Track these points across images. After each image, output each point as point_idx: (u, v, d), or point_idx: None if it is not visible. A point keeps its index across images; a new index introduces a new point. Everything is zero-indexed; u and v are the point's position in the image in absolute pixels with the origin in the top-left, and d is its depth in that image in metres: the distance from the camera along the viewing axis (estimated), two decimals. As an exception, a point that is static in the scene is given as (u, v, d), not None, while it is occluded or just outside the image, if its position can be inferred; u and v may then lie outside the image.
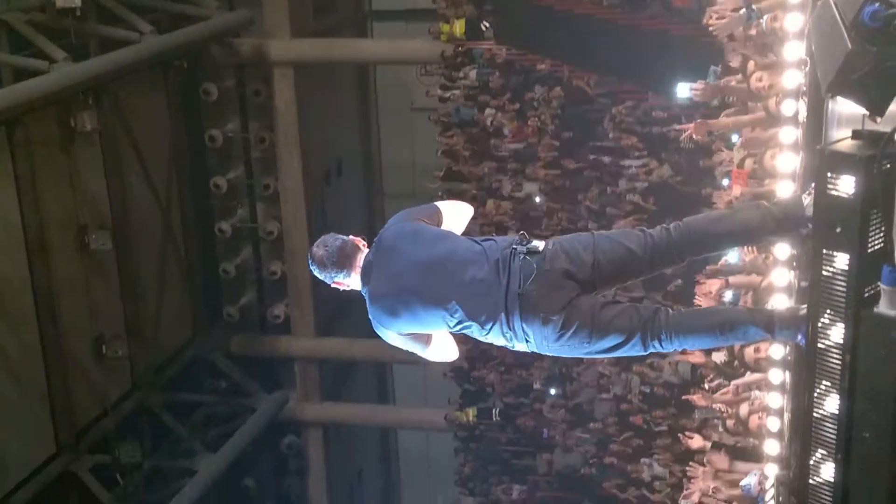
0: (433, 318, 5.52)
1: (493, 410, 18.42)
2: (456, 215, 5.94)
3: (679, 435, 12.86)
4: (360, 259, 5.61)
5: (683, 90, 14.39)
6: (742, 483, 10.23)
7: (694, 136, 11.48)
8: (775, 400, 9.10)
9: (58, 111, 15.55)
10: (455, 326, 5.50)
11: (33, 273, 15.19)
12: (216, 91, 18.80)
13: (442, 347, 5.68)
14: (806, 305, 5.07)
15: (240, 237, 19.60)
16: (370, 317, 5.63)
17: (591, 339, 5.37)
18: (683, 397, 13.36)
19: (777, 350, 9.01)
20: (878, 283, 4.17)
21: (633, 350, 5.45)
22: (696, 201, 15.50)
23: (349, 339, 20.43)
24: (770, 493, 9.13)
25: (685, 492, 11.42)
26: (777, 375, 9.03)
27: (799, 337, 5.17)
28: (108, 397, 16.52)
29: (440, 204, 5.94)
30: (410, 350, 5.65)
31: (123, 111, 16.92)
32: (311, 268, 5.73)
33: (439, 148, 18.66)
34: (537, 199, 17.53)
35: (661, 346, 5.38)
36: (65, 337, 15.77)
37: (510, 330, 5.40)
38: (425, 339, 5.63)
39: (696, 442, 11.38)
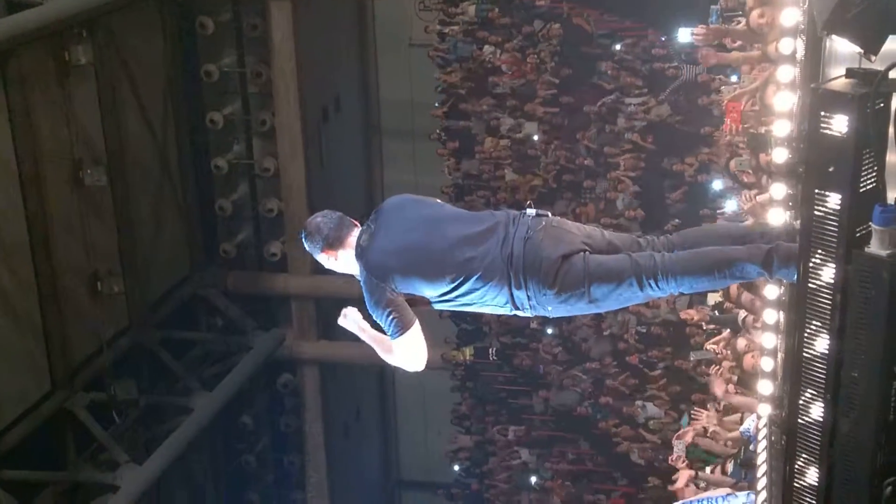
0: (433, 274, 5.56)
1: (490, 350, 18.46)
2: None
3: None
4: (354, 236, 5.72)
5: (685, 35, 14.36)
6: (742, 428, 10.29)
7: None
8: (769, 340, 9.10)
9: (52, 44, 15.39)
10: (454, 286, 5.54)
11: (28, 209, 15.10)
12: (212, 25, 18.58)
13: (419, 345, 5.62)
14: None
15: (236, 173, 19.47)
16: (369, 279, 5.60)
17: (586, 286, 5.43)
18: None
19: (771, 290, 8.99)
20: (870, 223, 4.12)
21: (629, 293, 5.48)
22: (695, 140, 15.51)
23: (346, 277, 20.38)
24: (763, 432, 9.16)
25: (680, 431, 11.50)
26: (771, 315, 9.02)
27: (796, 276, 5.13)
28: (103, 334, 16.51)
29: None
30: (391, 328, 5.57)
31: (118, 45, 16.75)
32: (303, 237, 5.82)
33: (438, 84, 18.54)
34: (535, 138, 17.45)
35: (657, 287, 5.42)
36: (60, 274, 15.73)
37: (511, 286, 5.47)
38: (410, 321, 5.57)
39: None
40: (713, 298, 13.14)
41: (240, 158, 19.35)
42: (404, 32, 20.53)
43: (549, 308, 5.56)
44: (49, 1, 14.79)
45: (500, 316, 17.64)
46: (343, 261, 5.74)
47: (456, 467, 19.52)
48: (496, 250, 5.50)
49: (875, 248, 4.10)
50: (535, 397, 18.31)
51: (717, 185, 12.87)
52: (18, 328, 15.21)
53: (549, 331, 17.70)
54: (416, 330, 5.59)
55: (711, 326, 12.21)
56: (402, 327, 5.54)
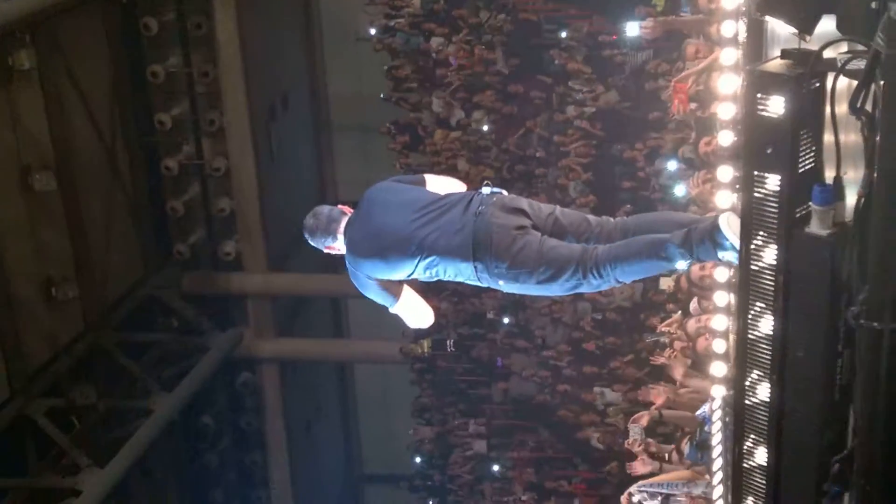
0: (401, 254, 5.85)
1: (448, 341, 18.47)
2: (441, 182, 6.32)
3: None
4: (344, 222, 6.05)
5: (633, 28, 14.44)
6: (698, 413, 10.36)
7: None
8: (720, 322, 9.17)
9: (-6, 50, 15.26)
10: (417, 264, 5.84)
11: (-23, 217, 14.99)
12: (156, 25, 18.44)
13: (414, 307, 6.11)
14: (722, 216, 5.22)
15: (187, 174, 19.35)
16: (349, 268, 6.04)
17: (536, 267, 5.63)
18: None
19: (722, 273, 9.06)
20: (809, 204, 4.16)
21: (574, 280, 5.67)
22: (643, 126, 15.56)
23: (301, 274, 20.36)
24: (717, 413, 9.23)
25: (635, 415, 11.56)
26: (722, 298, 9.10)
27: (720, 255, 5.25)
28: (59, 340, 16.39)
29: (429, 175, 6.39)
30: (383, 302, 6.05)
31: (62, 48, 16.59)
32: (306, 236, 6.16)
33: (387, 67, 18.47)
34: (485, 128, 17.46)
35: (598, 276, 5.60)
36: (13, 280, 15.61)
37: (469, 258, 5.72)
38: (396, 290, 6.00)
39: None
40: (665, 283, 13.24)
41: (190, 159, 19.24)
42: (351, 27, 20.48)
43: (501, 283, 5.79)
44: (-10, 7, 14.65)
45: (456, 306, 17.82)
46: (342, 243, 6.09)
47: (418, 459, 19.52)
48: (453, 225, 5.76)
49: (815, 228, 4.14)
50: (493, 388, 18.35)
51: (672, 164, 12.92)
52: (-27, 337, 15.08)
53: (506, 320, 17.73)
54: (405, 296, 6.04)
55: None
56: (390, 301, 6.01)
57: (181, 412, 18.13)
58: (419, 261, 5.81)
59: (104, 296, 17.80)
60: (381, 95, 18.72)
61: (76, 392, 16.54)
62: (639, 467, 10.56)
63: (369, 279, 5.96)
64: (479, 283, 5.90)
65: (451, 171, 17.88)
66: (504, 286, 5.83)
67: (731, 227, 5.15)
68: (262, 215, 19.21)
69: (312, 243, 6.15)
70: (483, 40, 17.34)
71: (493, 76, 17.35)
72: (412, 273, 5.88)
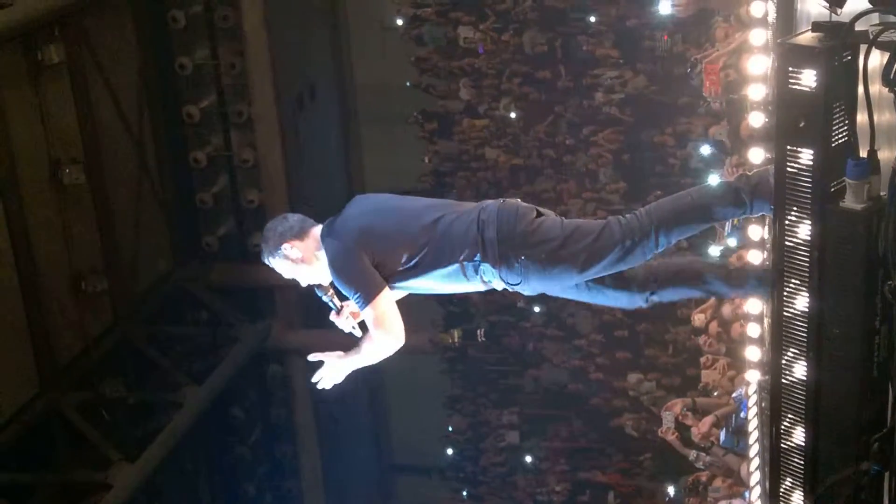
0: (403, 229, 5.51)
1: (478, 331, 18.42)
2: None
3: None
4: (318, 228, 5.65)
5: (665, 6, 14.39)
6: (734, 394, 10.30)
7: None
8: (754, 306, 9.10)
9: (24, 45, 15.28)
10: (425, 245, 5.45)
11: (7, 211, 15.02)
12: (184, 18, 18.50)
13: (387, 309, 5.43)
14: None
15: (215, 166, 19.39)
16: (332, 255, 5.51)
17: (561, 237, 5.38)
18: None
19: (755, 256, 8.98)
20: (843, 178, 4.09)
21: (613, 246, 5.37)
22: (672, 111, 15.47)
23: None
24: (753, 398, 9.16)
25: (668, 404, 11.51)
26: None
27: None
28: (89, 333, 16.45)
29: None
30: (360, 293, 5.40)
31: (90, 42, 16.66)
32: (263, 244, 5.74)
33: (413, 64, 18.43)
34: (512, 115, 17.39)
35: (650, 241, 5.38)
36: (42, 275, 15.66)
37: (484, 253, 5.41)
38: (380, 283, 5.42)
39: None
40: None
41: (218, 151, 19.27)
42: (377, 16, 20.44)
43: (530, 274, 5.43)
44: (19, 1, 14.67)
45: (486, 295, 17.78)
46: (307, 253, 5.60)
47: (450, 451, 19.50)
48: (467, 218, 5.50)
49: (849, 202, 4.06)
50: (525, 376, 18.30)
51: (705, 149, 12.82)
52: (4, 331, 15.14)
53: (537, 309, 17.66)
54: (386, 295, 5.44)
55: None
56: (370, 293, 5.40)
57: (211, 405, 18.15)
58: (427, 241, 5.44)
59: (133, 289, 17.86)
60: (408, 83, 18.70)
61: (106, 386, 16.60)
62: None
63: (361, 262, 5.43)
64: (489, 286, 5.53)
65: (479, 159, 17.87)
66: (538, 283, 5.48)
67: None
68: (291, 206, 19.20)
69: (267, 250, 5.70)
70: (510, 27, 17.28)
71: (520, 63, 17.29)
72: (413, 257, 5.44)
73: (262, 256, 5.78)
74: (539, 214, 5.53)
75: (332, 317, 5.70)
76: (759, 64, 8.72)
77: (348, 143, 21.96)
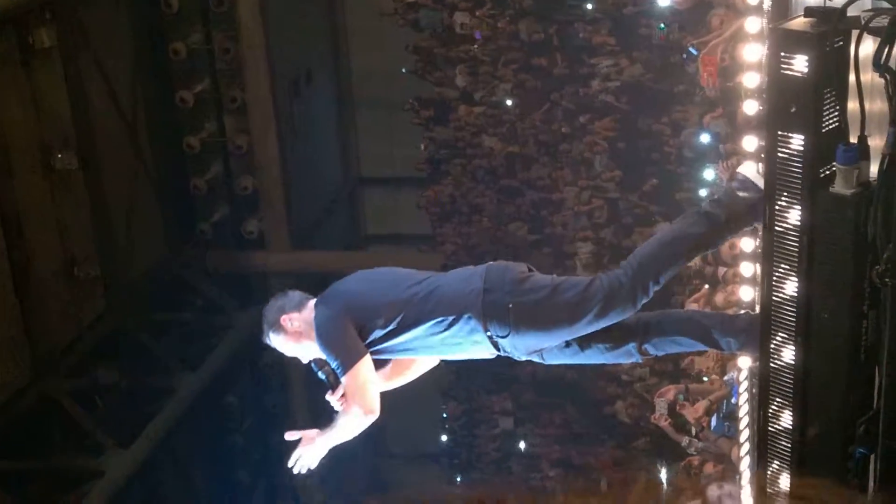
0: (391, 291, 5.55)
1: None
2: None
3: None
4: (313, 301, 5.65)
5: (665, -1, 14.35)
6: (725, 377, 10.32)
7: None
8: (747, 293, 9.10)
9: (15, 29, 15.20)
10: (413, 305, 5.47)
11: (-1, 196, 14.99)
12: (177, 2, 18.40)
13: (366, 377, 5.43)
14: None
15: (209, 152, 19.33)
16: (320, 320, 5.52)
17: (550, 289, 5.40)
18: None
19: (748, 243, 8.98)
20: (834, 163, 4.10)
21: (609, 303, 5.37)
22: (669, 99, 15.44)
23: (325, 251, 20.35)
24: (744, 384, 9.17)
25: (660, 391, 11.52)
26: (748, 268, 9.02)
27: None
28: (82, 319, 16.42)
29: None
30: (340, 359, 5.40)
31: (83, 26, 16.57)
32: (264, 321, 5.78)
33: (410, 51, 18.41)
34: (508, 103, 17.38)
35: (638, 288, 5.42)
36: (35, 260, 15.59)
37: (478, 314, 5.39)
38: (361, 350, 5.44)
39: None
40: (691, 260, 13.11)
41: (212, 136, 19.21)
42: (374, 2, 20.41)
43: (521, 328, 5.41)
44: (10, -15, 14.63)
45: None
46: (305, 325, 5.60)
47: (444, 437, 19.54)
48: (456, 276, 5.63)
49: (839, 187, 4.08)
50: (521, 370, 18.31)
51: (704, 137, 12.79)
52: (-4, 317, 15.11)
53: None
54: (366, 364, 5.44)
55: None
56: (350, 360, 5.40)
57: (205, 392, 18.13)
58: (411, 300, 5.46)
59: (127, 275, 17.81)
60: (404, 70, 18.68)
61: (99, 372, 16.56)
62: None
63: (346, 327, 5.44)
64: (481, 348, 5.52)
65: (474, 146, 17.87)
66: (523, 335, 5.44)
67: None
68: (285, 193, 19.19)
69: (268, 324, 5.71)
70: (507, 14, 17.25)
71: (516, 50, 17.27)
72: (397, 316, 5.45)
73: (263, 333, 5.80)
74: (530, 270, 5.61)
75: (328, 396, 5.62)
76: (753, 52, 8.69)
77: (344, 129, 21.95)
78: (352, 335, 5.47)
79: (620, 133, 16.44)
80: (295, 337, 5.67)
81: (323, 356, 5.60)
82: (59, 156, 15.77)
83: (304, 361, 5.76)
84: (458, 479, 19.47)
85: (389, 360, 5.84)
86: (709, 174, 12.48)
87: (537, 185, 17.29)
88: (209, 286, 19.51)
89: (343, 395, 5.53)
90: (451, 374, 19.19)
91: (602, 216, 16.25)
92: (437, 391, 19.55)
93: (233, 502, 20.66)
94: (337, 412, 5.59)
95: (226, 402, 20.27)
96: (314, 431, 5.56)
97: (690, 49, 12.46)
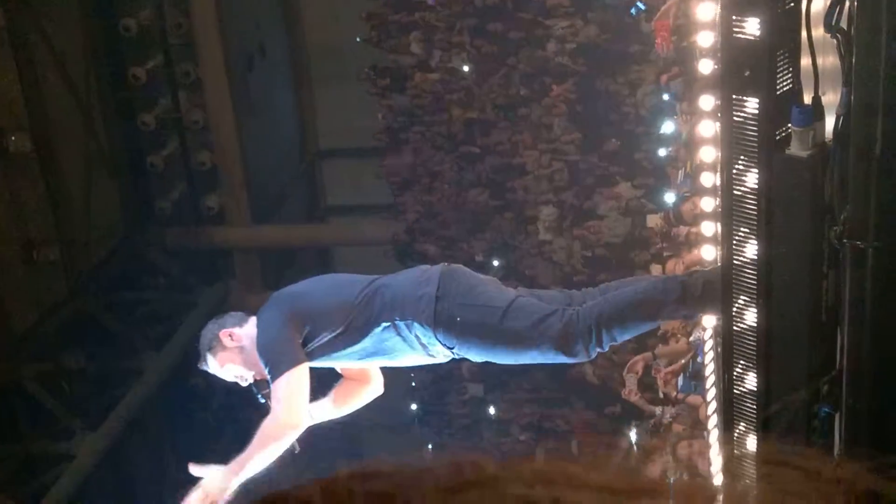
0: (341, 291, 5.41)
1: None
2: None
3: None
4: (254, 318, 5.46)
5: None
6: (691, 338, 10.38)
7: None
8: (709, 252, 9.15)
9: (-39, 12, 15.03)
10: (362, 303, 5.32)
11: (-47, 183, 14.83)
12: (128, -22, 18.22)
13: (302, 391, 5.23)
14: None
15: (165, 128, 19.10)
16: (263, 324, 5.35)
17: (502, 321, 5.22)
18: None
19: (707, 202, 9.02)
20: (789, 125, 4.11)
21: (557, 346, 5.19)
22: (625, 59, 15.46)
23: (287, 225, 20.28)
24: (709, 343, 9.23)
25: (630, 362, 11.55)
26: (709, 228, 9.07)
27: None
28: (44, 303, 16.29)
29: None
30: (277, 362, 5.17)
31: (32, 6, 16.31)
32: (203, 334, 5.65)
33: (364, 20, 18.28)
34: (465, 69, 17.32)
35: (593, 340, 5.22)
36: (-7, 245, 15.48)
37: (422, 316, 5.23)
38: (301, 357, 5.23)
39: None
40: (653, 220, 13.21)
41: (167, 113, 18.99)
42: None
43: (467, 345, 5.27)
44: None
45: (444, 251, 17.77)
46: (248, 341, 5.39)
47: (413, 406, 19.56)
48: (406, 276, 5.47)
49: (795, 149, 4.10)
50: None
51: (665, 96, 12.79)
52: (-43, 304, 14.99)
53: (496, 263, 17.66)
54: (301, 372, 5.20)
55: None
56: (285, 365, 5.15)
57: (172, 371, 18.04)
58: (360, 303, 5.28)
59: (87, 256, 17.64)
60: (358, 39, 18.57)
61: (65, 356, 16.46)
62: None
63: (289, 331, 5.23)
64: (428, 354, 5.36)
65: (433, 113, 17.81)
66: (469, 350, 5.31)
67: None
68: (244, 167, 19.07)
69: (204, 345, 5.56)
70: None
71: (471, 16, 17.19)
72: (345, 319, 5.28)
73: (199, 358, 5.58)
74: (495, 282, 5.49)
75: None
76: (707, 10, 8.71)
77: (301, 102, 21.79)
78: (292, 341, 5.23)
79: (578, 95, 16.44)
80: (235, 353, 5.42)
81: (262, 377, 5.35)
82: (13, 138, 15.59)
83: (245, 383, 5.50)
84: (430, 446, 19.51)
85: (331, 391, 5.66)
86: (668, 127, 12.53)
87: (497, 150, 17.26)
88: (171, 265, 19.38)
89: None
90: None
91: (563, 179, 16.27)
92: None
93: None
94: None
95: (191, 385, 20.19)
96: (216, 468, 5.31)
97: (638, 3, 12.47)
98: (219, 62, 18.41)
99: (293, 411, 5.18)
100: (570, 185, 16.20)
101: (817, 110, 4.07)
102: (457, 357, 5.44)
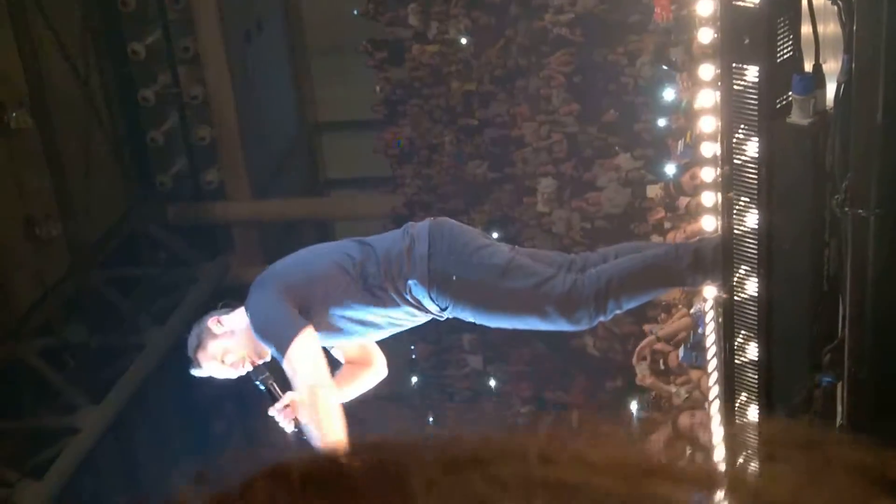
0: (331, 255, 5.25)
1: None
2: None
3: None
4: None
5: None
6: (692, 310, 10.38)
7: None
8: (709, 223, 9.14)
9: (-41, -11, 14.98)
10: (356, 261, 5.18)
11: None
12: (124, -46, 18.13)
13: (316, 350, 5.02)
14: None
15: (164, 104, 19.10)
16: (254, 301, 5.23)
17: (500, 281, 5.06)
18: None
19: (708, 173, 9.01)
20: (790, 94, 4.10)
21: (559, 310, 5.04)
22: (623, 29, 15.40)
23: (286, 199, 20.27)
24: (710, 314, 9.23)
25: (637, 350, 11.45)
26: (709, 198, 9.06)
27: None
28: (46, 279, 16.31)
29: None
30: (282, 333, 4.99)
31: (30, -18, 16.31)
32: (193, 328, 5.54)
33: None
34: (463, 41, 17.28)
35: (597, 307, 5.09)
36: (-5, 222, 15.49)
37: (416, 274, 5.09)
38: (297, 323, 5.02)
39: None
40: (653, 191, 13.21)
41: (166, 88, 18.97)
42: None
43: (461, 306, 5.11)
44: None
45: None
46: (238, 326, 5.28)
47: (414, 378, 19.59)
48: (394, 236, 5.32)
49: (796, 117, 4.08)
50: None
51: (669, 94, 12.68)
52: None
53: (495, 235, 17.63)
54: (311, 333, 4.99)
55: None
56: (293, 329, 4.96)
57: (174, 346, 18.06)
58: (351, 267, 5.12)
59: (89, 232, 17.65)
60: (355, 12, 18.51)
61: (68, 331, 16.48)
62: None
63: (284, 303, 5.05)
64: (424, 309, 5.19)
65: (430, 86, 17.77)
66: (464, 312, 5.15)
67: None
68: (243, 141, 19.06)
69: (196, 328, 5.50)
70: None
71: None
72: (338, 287, 5.13)
73: (191, 358, 5.45)
74: (487, 237, 5.36)
75: (271, 410, 5.16)
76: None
77: (298, 76, 21.75)
78: (289, 311, 5.03)
79: (576, 66, 16.39)
80: (226, 339, 5.29)
81: (258, 359, 5.22)
82: (14, 114, 15.56)
83: (241, 371, 5.36)
84: (430, 419, 19.55)
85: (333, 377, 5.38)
86: (668, 94, 12.49)
87: (496, 122, 17.24)
88: (172, 239, 19.39)
89: (288, 406, 4.98)
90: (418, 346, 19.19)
91: (562, 150, 16.24)
92: (406, 333, 19.54)
93: (208, 453, 20.69)
94: (287, 430, 5.07)
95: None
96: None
97: None
98: (217, 37, 18.38)
99: (317, 372, 4.97)
100: (570, 156, 16.18)
101: (818, 78, 4.06)
102: (449, 317, 5.28)
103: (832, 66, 4.13)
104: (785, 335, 4.35)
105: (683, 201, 10.99)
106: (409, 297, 5.13)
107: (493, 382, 18.36)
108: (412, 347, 19.56)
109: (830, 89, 4.06)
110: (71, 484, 15.46)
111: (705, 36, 9.10)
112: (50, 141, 16.55)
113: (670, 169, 11.82)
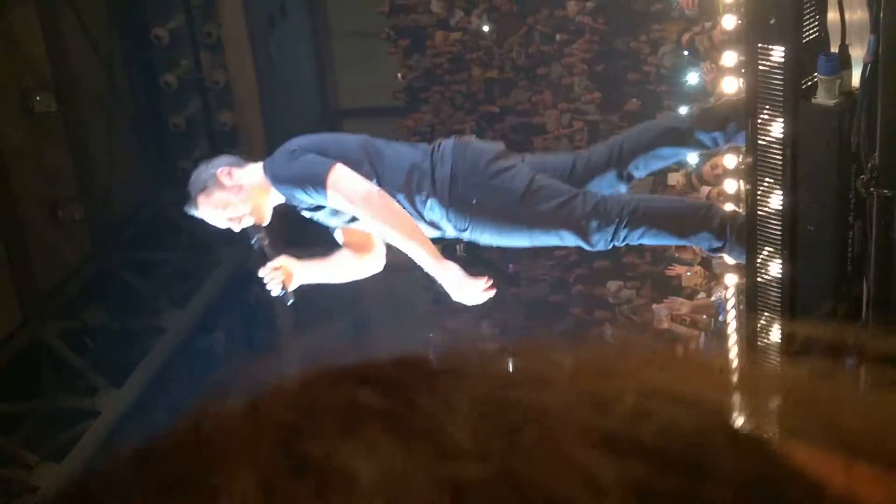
0: (353, 149, 5.30)
1: (458, 246, 18.38)
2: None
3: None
4: (261, 164, 5.39)
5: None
6: (713, 297, 10.39)
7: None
8: (730, 210, 9.13)
9: (-15, -28, 15.03)
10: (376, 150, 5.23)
11: (-22, 142, 14.88)
12: (148, -62, 18.21)
13: (351, 174, 5.10)
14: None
15: (186, 89, 19.15)
16: (274, 163, 5.28)
17: (521, 203, 5.10)
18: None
19: (730, 159, 9.00)
20: (815, 74, 4.09)
21: (579, 231, 5.07)
22: (646, 18, 15.38)
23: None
24: (731, 301, 9.24)
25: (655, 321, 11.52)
26: (731, 185, 9.05)
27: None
28: (68, 262, 16.38)
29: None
30: (317, 171, 5.05)
31: (54, -34, 16.37)
32: (194, 175, 5.48)
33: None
34: (485, 28, 17.28)
35: (612, 231, 5.11)
36: (19, 204, 15.52)
37: (437, 193, 5.12)
38: (326, 160, 5.13)
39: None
40: (674, 179, 13.18)
41: (189, 73, 19.03)
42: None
43: (480, 226, 5.16)
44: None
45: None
46: (247, 181, 5.30)
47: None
48: (419, 150, 5.39)
49: (822, 98, 4.08)
50: (505, 292, 18.33)
51: (693, 78, 12.65)
52: (-18, 263, 15.07)
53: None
54: (342, 166, 5.02)
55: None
56: (323, 165, 5.00)
57: (194, 330, 18.15)
58: (372, 164, 5.17)
59: (111, 215, 17.73)
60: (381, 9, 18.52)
61: (89, 313, 16.54)
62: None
63: (306, 152, 5.16)
64: (436, 226, 5.25)
65: (452, 73, 17.78)
66: (482, 232, 5.21)
67: None
68: (264, 127, 19.09)
69: (202, 174, 5.41)
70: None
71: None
72: (364, 166, 5.16)
73: (189, 202, 5.44)
74: (507, 157, 5.25)
75: (261, 271, 5.38)
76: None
77: (321, 60, 21.76)
78: (319, 157, 5.05)
79: (598, 54, 16.38)
80: (233, 192, 5.27)
81: (258, 222, 5.24)
82: (38, 98, 15.62)
83: (238, 227, 5.43)
84: (432, 334, 19.48)
85: (327, 256, 5.49)
86: (692, 78, 12.46)
87: (517, 109, 17.24)
88: (193, 224, 19.35)
89: (278, 268, 5.09)
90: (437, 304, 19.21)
91: (583, 139, 16.24)
92: (422, 318, 19.55)
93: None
94: (274, 292, 5.17)
95: (214, 340, 20.28)
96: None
97: None
98: (240, 22, 18.40)
99: (365, 182, 4.97)
100: (591, 144, 16.15)
101: (844, 58, 4.05)
102: (466, 239, 5.35)
103: (858, 53, 4.12)
104: (808, 318, 4.35)
105: (705, 190, 10.97)
106: (424, 213, 5.19)
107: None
108: (429, 335, 19.55)
109: (856, 74, 4.06)
110: (90, 467, 15.52)
111: (729, 22, 9.08)
112: (73, 124, 16.61)
113: (692, 157, 11.80)
